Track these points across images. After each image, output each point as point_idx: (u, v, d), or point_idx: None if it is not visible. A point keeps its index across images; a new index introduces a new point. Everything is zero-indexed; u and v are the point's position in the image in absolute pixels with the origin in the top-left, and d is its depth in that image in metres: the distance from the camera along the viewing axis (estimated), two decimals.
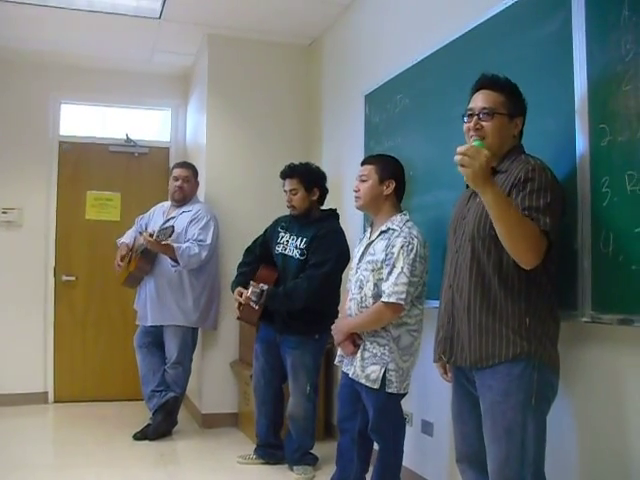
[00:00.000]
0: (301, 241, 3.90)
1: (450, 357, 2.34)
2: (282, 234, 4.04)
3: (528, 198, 2.08)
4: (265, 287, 3.82)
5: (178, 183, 4.84)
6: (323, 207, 4.11)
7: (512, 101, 2.27)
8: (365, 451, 3.25)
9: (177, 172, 4.88)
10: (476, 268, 2.21)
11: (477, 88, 2.34)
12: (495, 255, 2.16)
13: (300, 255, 3.87)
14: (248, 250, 4.29)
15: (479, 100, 2.29)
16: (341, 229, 3.99)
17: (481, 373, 2.21)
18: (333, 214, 4.07)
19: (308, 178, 3.97)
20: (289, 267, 3.92)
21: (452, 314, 2.32)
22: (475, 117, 2.28)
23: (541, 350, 2.13)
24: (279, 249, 4.01)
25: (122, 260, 4.79)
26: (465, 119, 2.32)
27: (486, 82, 2.32)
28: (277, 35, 5.26)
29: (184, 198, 4.86)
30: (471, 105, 2.32)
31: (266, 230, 4.25)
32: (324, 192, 4.07)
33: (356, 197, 3.21)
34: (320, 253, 3.79)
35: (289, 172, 3.99)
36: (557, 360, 2.20)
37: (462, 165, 1.98)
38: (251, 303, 3.84)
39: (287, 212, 4.10)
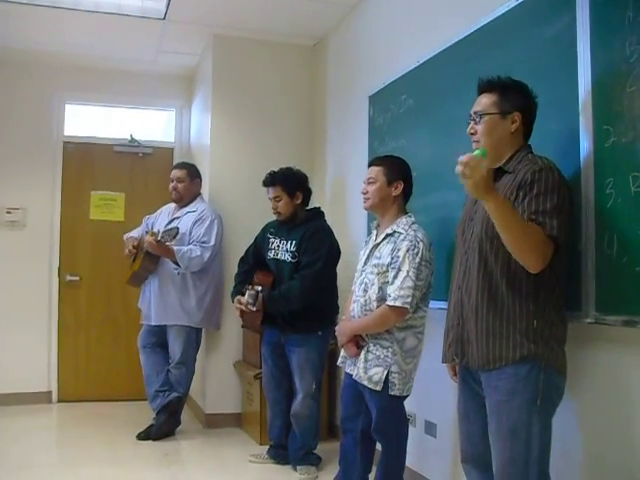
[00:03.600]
0: (291, 244, 3.99)
1: (463, 358, 2.33)
2: (272, 239, 4.13)
3: (535, 201, 2.08)
4: (259, 288, 3.93)
5: (172, 184, 4.87)
6: (308, 207, 4.18)
7: (505, 98, 2.28)
8: (368, 451, 3.26)
9: (172, 174, 4.92)
10: (484, 269, 2.21)
11: (478, 93, 2.38)
12: (503, 256, 2.16)
13: (292, 258, 3.96)
14: (242, 260, 4.38)
15: (475, 105, 2.35)
16: (328, 226, 4.09)
17: (488, 374, 2.21)
18: (318, 213, 4.16)
19: (290, 184, 4.04)
20: (283, 270, 4.01)
21: (461, 315, 2.32)
22: (472, 122, 2.34)
23: (548, 352, 2.13)
24: (271, 254, 4.10)
25: (134, 248, 4.74)
26: (470, 122, 2.37)
27: (481, 85, 2.37)
28: (282, 35, 5.26)
29: (180, 199, 4.88)
30: (470, 111, 2.38)
31: (256, 238, 4.34)
32: (307, 194, 4.14)
33: (365, 198, 3.20)
34: (310, 253, 3.89)
35: (271, 180, 4.07)
36: (564, 362, 2.20)
37: (463, 175, 1.96)
38: (249, 306, 3.92)
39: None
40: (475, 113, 2.32)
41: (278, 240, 4.08)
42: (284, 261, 4.00)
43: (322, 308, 3.91)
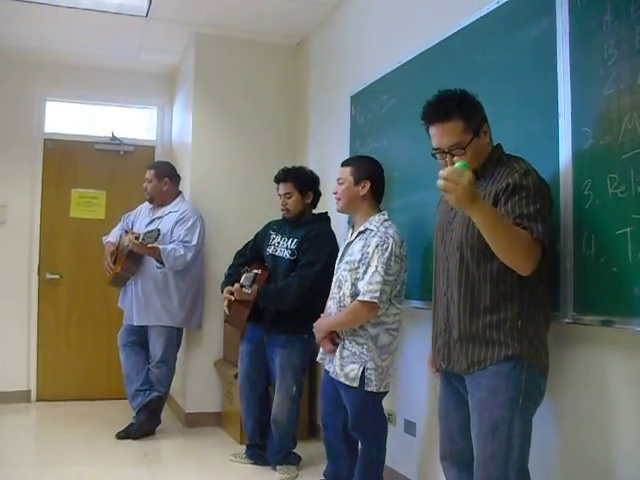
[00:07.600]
0: (292, 242, 3.92)
1: (448, 364, 2.34)
2: (273, 236, 4.06)
3: (518, 205, 2.09)
4: (258, 271, 3.83)
5: (144, 184, 4.88)
6: (315, 211, 4.11)
7: (469, 118, 2.23)
8: (352, 445, 3.28)
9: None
10: (465, 275, 2.23)
11: (429, 123, 2.30)
12: (485, 262, 2.18)
13: (290, 255, 3.89)
14: (239, 253, 4.29)
15: (440, 139, 2.25)
16: (331, 231, 4.00)
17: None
18: (325, 218, 4.07)
19: (302, 182, 3.99)
20: (279, 267, 3.94)
21: (448, 322, 2.32)
22: (447, 154, 2.24)
23: (532, 352, 2.16)
24: (269, 250, 4.03)
25: (111, 260, 4.75)
26: (437, 156, 2.30)
27: (434, 116, 2.27)
28: (264, 34, 5.26)
29: (151, 199, 4.89)
30: (436, 145, 2.28)
31: (257, 234, 4.26)
32: (317, 195, 4.08)
33: (336, 199, 3.24)
34: (311, 253, 3.82)
35: (283, 176, 4.00)
36: (547, 363, 2.23)
37: (445, 191, 1.93)
38: (244, 289, 3.80)
39: (276, 215, 4.12)
40: (452, 147, 2.22)
41: (279, 237, 4.02)
42: (282, 257, 3.92)
43: (311, 310, 3.66)
